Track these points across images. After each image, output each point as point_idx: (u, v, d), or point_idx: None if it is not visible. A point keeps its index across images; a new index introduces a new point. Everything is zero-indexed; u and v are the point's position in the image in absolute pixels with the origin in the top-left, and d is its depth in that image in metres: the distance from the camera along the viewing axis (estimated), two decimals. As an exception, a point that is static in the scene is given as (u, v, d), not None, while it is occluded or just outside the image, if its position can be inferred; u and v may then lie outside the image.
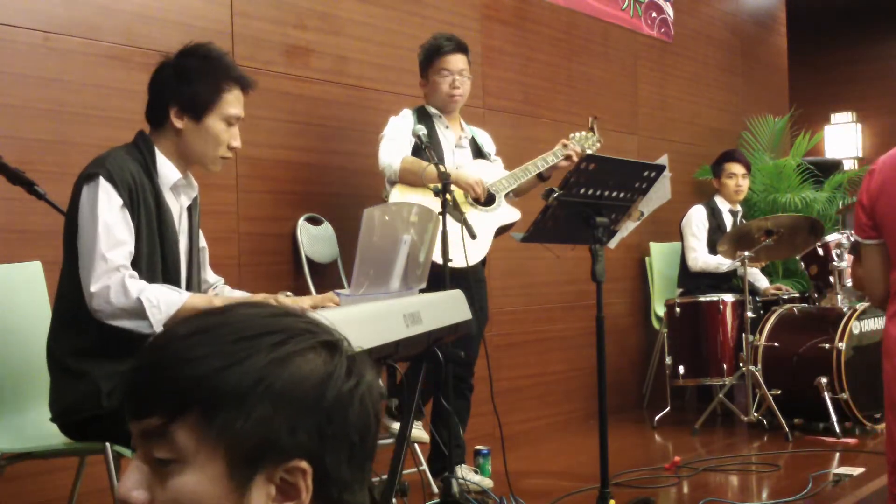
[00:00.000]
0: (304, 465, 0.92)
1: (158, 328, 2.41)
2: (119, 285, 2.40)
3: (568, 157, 4.13)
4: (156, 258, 2.54)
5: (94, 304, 2.41)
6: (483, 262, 4.01)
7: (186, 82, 2.57)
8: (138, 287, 2.41)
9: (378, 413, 0.99)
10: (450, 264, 3.50)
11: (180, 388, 0.90)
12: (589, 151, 4.27)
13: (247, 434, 0.90)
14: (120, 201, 2.44)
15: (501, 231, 4.04)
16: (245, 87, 2.65)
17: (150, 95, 2.63)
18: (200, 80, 2.57)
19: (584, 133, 4.35)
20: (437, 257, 3.54)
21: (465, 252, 3.51)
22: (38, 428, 2.69)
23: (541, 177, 4.15)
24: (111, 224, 2.42)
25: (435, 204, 3.50)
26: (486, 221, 3.97)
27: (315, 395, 0.93)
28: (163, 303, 2.41)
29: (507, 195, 4.06)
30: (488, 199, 4.02)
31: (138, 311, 2.40)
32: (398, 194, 3.83)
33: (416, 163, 3.82)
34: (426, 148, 3.71)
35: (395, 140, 3.90)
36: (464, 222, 3.47)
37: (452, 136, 4.11)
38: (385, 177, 3.92)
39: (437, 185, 3.48)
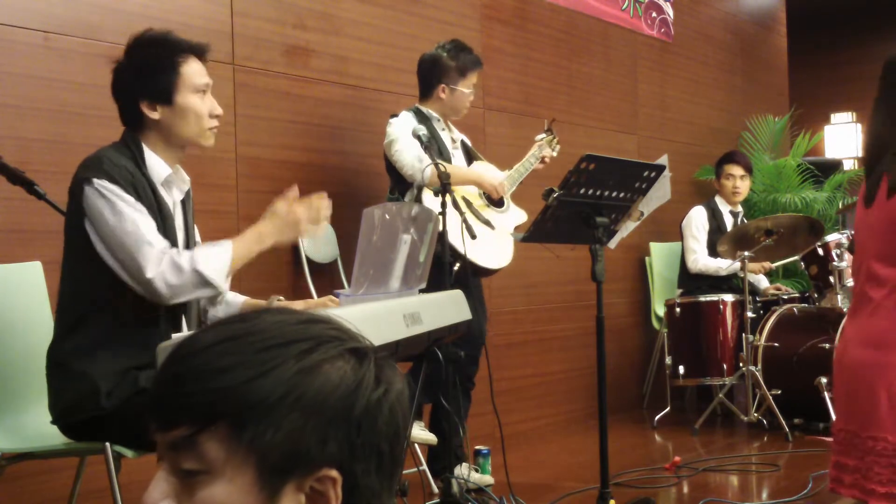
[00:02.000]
0: (333, 473, 0.92)
1: (226, 287, 2.50)
2: (170, 265, 2.42)
3: (542, 161, 4.29)
4: None
5: (155, 287, 2.42)
6: None
7: (145, 73, 2.55)
8: (186, 258, 2.44)
9: (407, 420, 0.98)
10: (486, 265, 3.72)
11: (209, 398, 0.89)
12: (553, 153, 4.35)
13: (277, 445, 0.89)
14: (131, 198, 2.46)
15: None
16: (200, 53, 2.63)
17: (118, 100, 2.61)
18: (156, 66, 2.56)
19: (542, 135, 4.41)
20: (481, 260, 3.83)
21: (465, 250, 3.51)
22: (38, 428, 2.68)
23: None
24: (137, 215, 2.44)
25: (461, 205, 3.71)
26: (505, 222, 4.08)
27: (345, 405, 0.92)
28: (214, 261, 2.45)
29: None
30: (499, 201, 4.10)
31: (200, 281, 2.44)
32: (430, 197, 3.82)
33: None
34: (427, 148, 3.72)
35: (410, 145, 3.86)
36: (464, 221, 3.48)
37: (449, 137, 4.12)
38: (414, 181, 3.86)
39: (437, 186, 3.49)
